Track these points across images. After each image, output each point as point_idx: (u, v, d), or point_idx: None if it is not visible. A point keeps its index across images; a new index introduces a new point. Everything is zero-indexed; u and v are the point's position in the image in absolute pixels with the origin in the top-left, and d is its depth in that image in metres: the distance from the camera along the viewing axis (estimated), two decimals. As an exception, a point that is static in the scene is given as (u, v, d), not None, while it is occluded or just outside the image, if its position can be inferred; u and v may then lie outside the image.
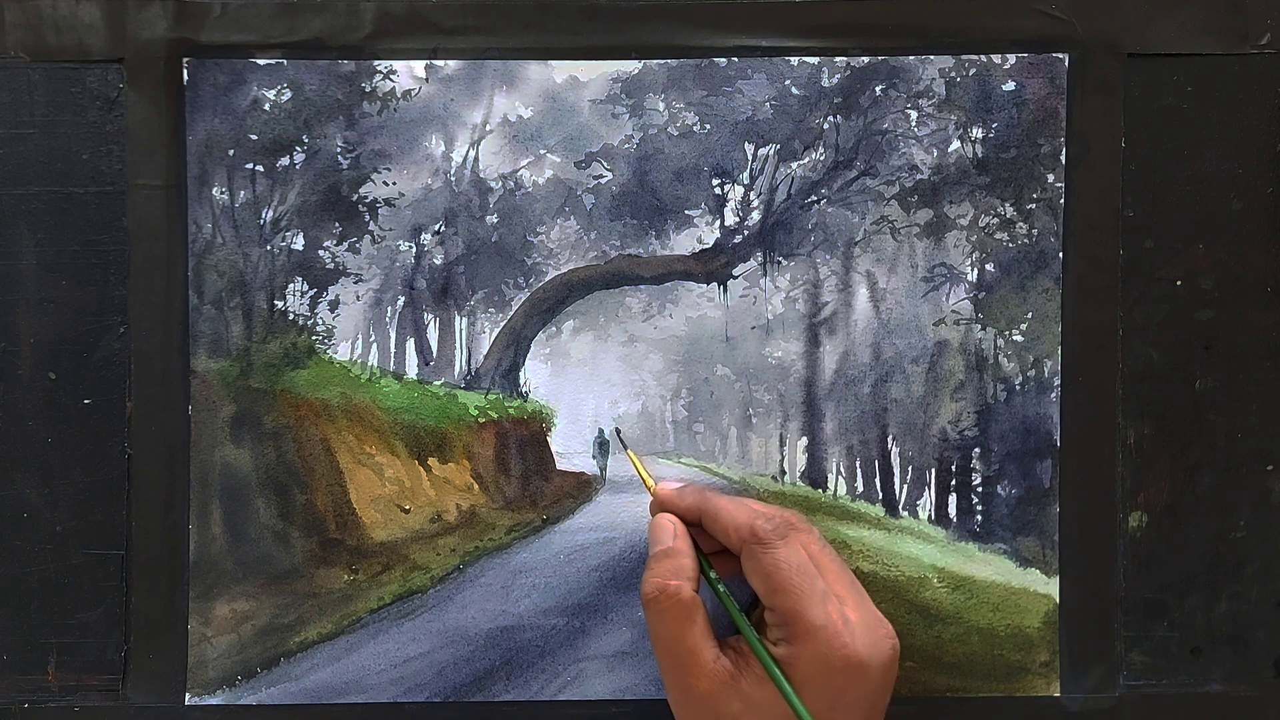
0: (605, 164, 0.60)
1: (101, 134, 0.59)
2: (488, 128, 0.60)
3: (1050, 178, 0.59)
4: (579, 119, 0.60)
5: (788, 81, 0.59)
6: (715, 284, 0.61)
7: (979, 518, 0.60)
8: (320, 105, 0.59)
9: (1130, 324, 0.59)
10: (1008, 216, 0.60)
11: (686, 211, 0.60)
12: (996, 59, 0.59)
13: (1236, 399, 0.59)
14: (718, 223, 0.60)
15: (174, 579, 0.59)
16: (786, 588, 0.49)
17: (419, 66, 0.59)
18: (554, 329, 0.61)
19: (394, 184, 0.60)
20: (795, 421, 0.60)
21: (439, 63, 0.59)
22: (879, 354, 0.60)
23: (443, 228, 0.60)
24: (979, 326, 0.60)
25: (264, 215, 0.59)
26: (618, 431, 0.60)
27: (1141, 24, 0.59)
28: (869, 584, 0.57)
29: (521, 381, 0.61)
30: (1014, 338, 0.60)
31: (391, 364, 0.60)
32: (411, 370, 0.60)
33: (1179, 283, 0.59)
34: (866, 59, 0.59)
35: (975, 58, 0.59)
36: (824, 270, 0.60)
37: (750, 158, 0.60)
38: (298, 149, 0.59)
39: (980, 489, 0.60)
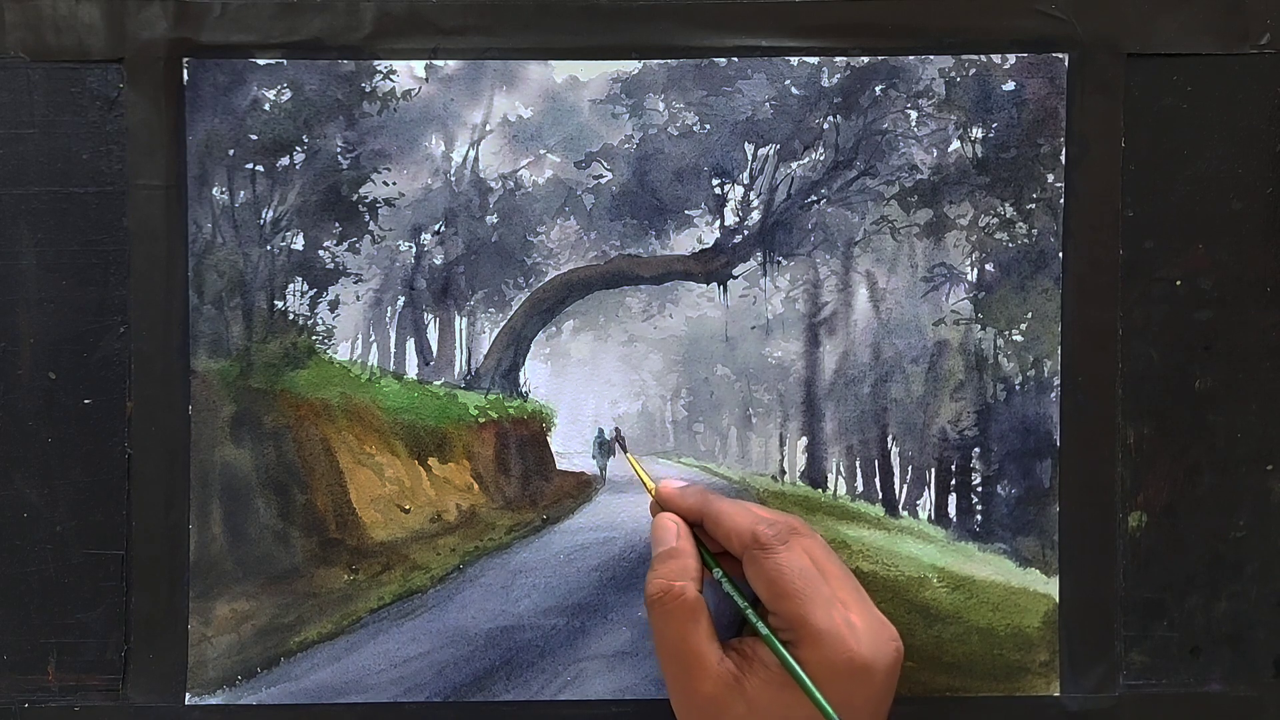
0: (605, 164, 0.60)
1: (101, 134, 0.59)
2: (488, 128, 0.60)
3: (1050, 178, 0.59)
4: (579, 119, 0.60)
5: (788, 81, 0.59)
6: (715, 284, 0.61)
7: (979, 518, 0.60)
8: (320, 105, 0.59)
9: (1130, 324, 0.59)
10: (1007, 216, 0.60)
11: (686, 211, 0.60)
12: (996, 59, 0.59)
13: (1236, 399, 0.59)
14: (718, 223, 0.60)
15: (174, 579, 0.59)
16: (790, 592, 0.49)
17: (419, 66, 0.59)
18: (554, 329, 0.61)
19: (394, 184, 0.60)
20: (795, 421, 0.60)
21: (439, 63, 0.59)
22: (879, 354, 0.60)
23: (443, 228, 0.60)
24: (979, 326, 0.60)
25: (264, 215, 0.59)
26: (617, 432, 0.60)
27: (1141, 24, 0.59)
28: (868, 584, 0.57)
29: (521, 381, 0.61)
30: (1014, 338, 0.60)
31: (391, 364, 0.60)
32: (411, 370, 0.60)
33: (1179, 283, 0.59)
34: (866, 59, 0.59)
35: (975, 58, 0.59)
36: (824, 270, 0.60)
37: (750, 158, 0.60)
38: (298, 149, 0.59)
39: (980, 489, 0.60)
